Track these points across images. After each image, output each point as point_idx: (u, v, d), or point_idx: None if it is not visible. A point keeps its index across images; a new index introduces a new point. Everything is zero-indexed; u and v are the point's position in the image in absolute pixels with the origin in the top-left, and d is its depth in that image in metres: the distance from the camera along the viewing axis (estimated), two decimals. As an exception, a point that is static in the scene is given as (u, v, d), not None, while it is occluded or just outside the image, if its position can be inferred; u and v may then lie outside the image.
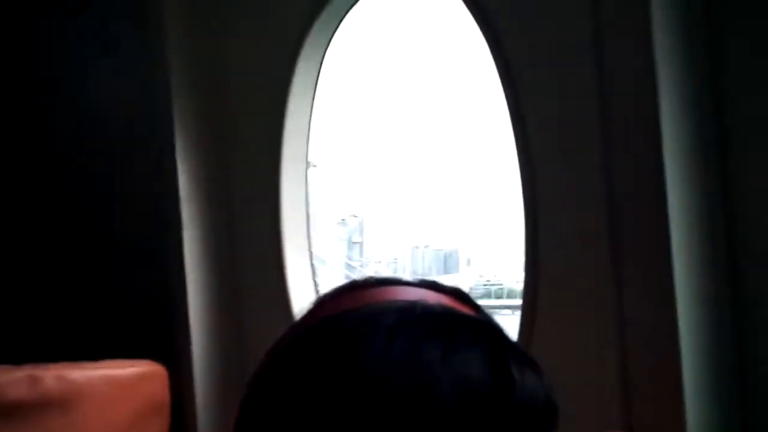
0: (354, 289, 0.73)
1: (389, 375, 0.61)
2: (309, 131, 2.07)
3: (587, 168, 1.45)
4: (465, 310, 0.71)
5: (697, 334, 1.28)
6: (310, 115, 2.06)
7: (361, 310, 0.67)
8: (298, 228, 2.09)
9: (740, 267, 1.30)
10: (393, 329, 0.64)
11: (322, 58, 2.03)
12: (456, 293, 0.74)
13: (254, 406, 0.67)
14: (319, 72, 2.03)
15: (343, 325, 0.66)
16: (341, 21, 1.98)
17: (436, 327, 0.65)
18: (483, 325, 0.69)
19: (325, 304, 0.73)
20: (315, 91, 2.04)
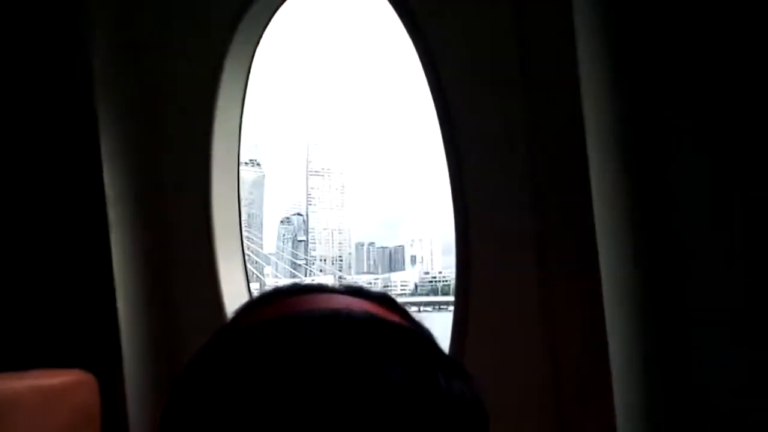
0: (279, 296, 0.71)
1: (312, 386, 0.59)
2: (240, 130, 2.04)
3: (514, 172, 1.47)
4: (392, 317, 0.70)
5: (623, 329, 1.30)
6: (241, 114, 2.03)
7: (285, 320, 0.66)
8: (230, 230, 2.05)
9: (661, 266, 1.33)
10: (316, 340, 0.62)
11: (252, 56, 1.99)
12: (383, 300, 0.72)
13: (174, 418, 0.65)
14: (249, 69, 2.00)
15: (266, 336, 0.64)
16: (271, 18, 1.95)
17: (361, 336, 0.64)
18: (410, 333, 0.68)
19: (248, 312, 0.71)
20: (245, 90, 2.00)
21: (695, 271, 1.30)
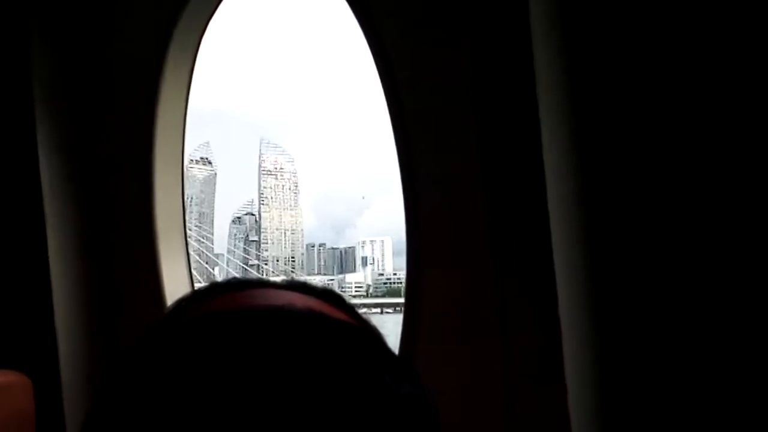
0: (217, 292, 0.67)
1: (248, 386, 0.55)
2: (184, 122, 1.98)
3: (467, 170, 1.46)
4: (337, 314, 0.66)
5: (578, 323, 1.30)
6: (185, 105, 1.97)
7: (222, 317, 0.61)
8: (174, 226, 1.99)
9: (611, 269, 1.34)
10: (254, 337, 0.58)
11: (197, 45, 1.93)
12: (328, 296, 0.69)
13: (101, 413, 0.61)
14: (193, 60, 1.94)
15: (201, 333, 0.60)
16: (216, 7, 1.90)
17: (302, 334, 0.60)
18: (355, 331, 0.64)
19: (184, 308, 0.67)
20: (190, 80, 1.95)
21: (645, 270, 1.31)
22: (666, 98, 1.28)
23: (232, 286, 0.67)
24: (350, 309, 0.69)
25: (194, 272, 2.11)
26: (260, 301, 0.64)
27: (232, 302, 0.64)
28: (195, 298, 0.67)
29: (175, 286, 1.95)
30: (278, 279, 0.72)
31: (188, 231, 2.13)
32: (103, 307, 1.99)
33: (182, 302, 0.68)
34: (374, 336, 0.66)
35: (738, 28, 1.23)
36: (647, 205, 1.30)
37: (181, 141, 2.00)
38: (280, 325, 0.60)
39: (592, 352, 1.33)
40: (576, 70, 1.36)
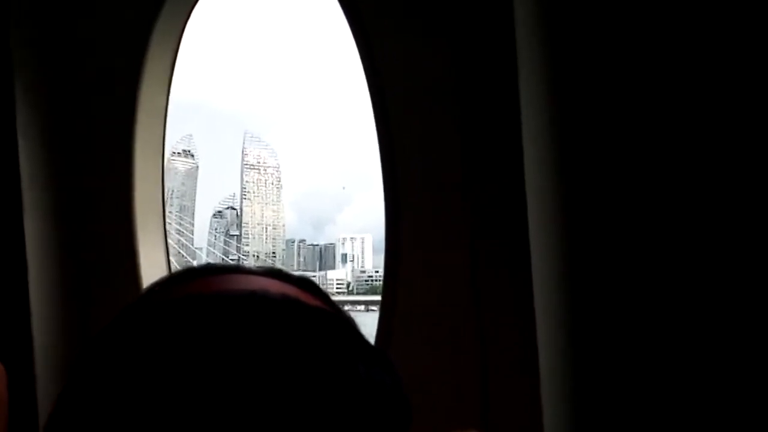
0: (192, 276, 0.67)
1: (221, 369, 0.55)
2: (166, 110, 1.97)
3: (449, 167, 1.47)
4: (312, 301, 0.66)
5: (553, 321, 1.31)
6: (167, 93, 1.96)
7: (196, 300, 0.61)
8: (153, 216, 1.98)
9: (588, 270, 1.34)
10: (228, 321, 0.58)
11: (179, 36, 1.93)
12: (303, 283, 0.69)
13: (72, 398, 0.60)
14: (175, 55, 1.93)
15: (175, 316, 0.60)
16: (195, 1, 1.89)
17: (276, 319, 0.60)
18: (328, 318, 0.64)
19: (158, 291, 0.66)
20: (172, 69, 1.94)
21: (618, 268, 1.31)
22: (652, 102, 1.29)
23: (209, 270, 0.67)
24: (325, 297, 0.70)
25: (175, 265, 2.10)
26: (235, 286, 0.64)
27: (208, 286, 0.64)
28: (170, 281, 0.67)
29: (153, 275, 1.94)
30: (255, 266, 0.71)
31: (169, 224, 2.12)
32: (80, 296, 1.98)
33: (156, 286, 0.68)
34: (348, 324, 0.66)
35: (727, 26, 1.24)
36: (625, 199, 1.31)
37: (162, 128, 1.99)
38: (253, 310, 0.60)
39: (566, 345, 1.34)
40: (560, 68, 1.37)
